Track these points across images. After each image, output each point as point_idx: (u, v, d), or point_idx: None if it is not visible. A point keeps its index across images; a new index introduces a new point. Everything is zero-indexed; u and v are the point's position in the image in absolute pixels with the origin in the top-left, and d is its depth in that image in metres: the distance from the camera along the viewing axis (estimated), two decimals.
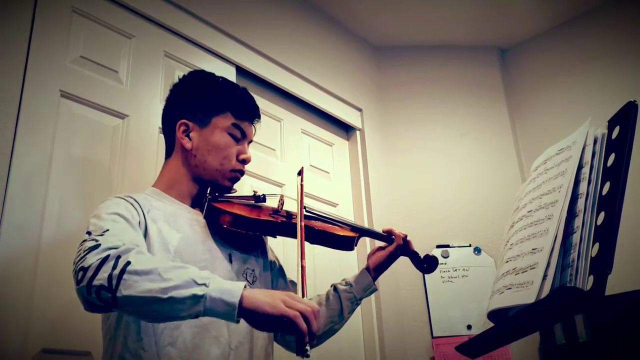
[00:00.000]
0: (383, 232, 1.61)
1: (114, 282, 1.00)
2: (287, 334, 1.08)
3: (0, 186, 1.51)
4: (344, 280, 1.58)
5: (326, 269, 2.39)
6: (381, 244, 1.63)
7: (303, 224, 1.34)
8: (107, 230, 1.13)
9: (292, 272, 1.61)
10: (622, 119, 1.01)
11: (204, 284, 1.00)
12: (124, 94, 1.90)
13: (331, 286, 1.58)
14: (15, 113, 1.60)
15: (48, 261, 1.55)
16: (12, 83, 1.61)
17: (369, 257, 1.61)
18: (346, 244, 1.52)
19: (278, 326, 1.02)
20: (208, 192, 1.43)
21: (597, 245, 0.91)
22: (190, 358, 1.19)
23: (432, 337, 2.68)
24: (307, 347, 1.01)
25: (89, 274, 1.02)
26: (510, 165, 3.07)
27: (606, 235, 0.90)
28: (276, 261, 1.57)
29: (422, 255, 1.62)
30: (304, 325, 1.00)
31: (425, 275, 2.69)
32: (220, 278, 1.05)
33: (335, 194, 2.73)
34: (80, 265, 1.04)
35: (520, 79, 3.31)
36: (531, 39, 3.31)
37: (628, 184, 0.93)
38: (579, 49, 3.10)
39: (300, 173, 1.50)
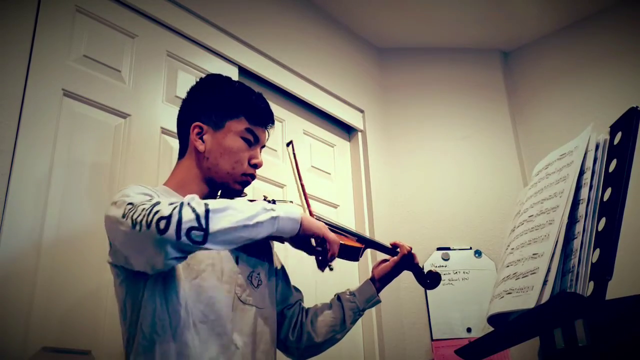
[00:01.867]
0: (390, 244, 1.62)
1: (203, 221, 1.09)
2: (315, 253, 1.34)
3: (2, 184, 1.52)
4: (348, 290, 1.60)
5: (327, 278, 2.38)
6: (386, 256, 1.63)
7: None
8: (149, 197, 1.19)
9: (294, 277, 1.61)
10: (624, 124, 1.01)
11: (272, 209, 1.21)
12: (126, 94, 1.90)
13: (335, 295, 1.59)
14: (18, 111, 1.60)
15: (49, 260, 1.55)
16: (14, 81, 1.62)
17: (374, 268, 1.63)
18: (352, 254, 1.52)
19: (315, 243, 1.32)
20: (218, 194, 1.44)
21: (597, 251, 0.92)
22: (201, 353, 1.21)
23: (432, 340, 2.68)
24: (330, 264, 1.34)
25: (174, 219, 1.07)
26: (511, 168, 3.07)
27: (607, 241, 0.91)
28: (281, 267, 1.57)
29: (426, 269, 1.63)
30: (335, 249, 1.32)
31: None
32: (276, 204, 1.29)
33: (336, 195, 2.73)
34: (158, 216, 1.08)
35: (522, 82, 3.31)
36: (534, 42, 3.31)
37: (629, 190, 0.94)
38: (581, 53, 3.09)
39: (289, 144, 1.61)
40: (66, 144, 1.69)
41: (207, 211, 1.10)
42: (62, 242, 1.59)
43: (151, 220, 1.08)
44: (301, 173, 1.55)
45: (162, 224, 1.07)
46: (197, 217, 1.09)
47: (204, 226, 1.09)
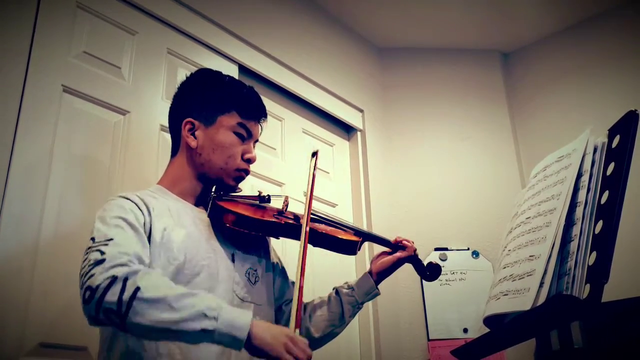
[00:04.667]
0: (394, 242, 1.59)
1: (124, 308, 1.03)
2: None
3: (0, 180, 1.52)
4: (346, 283, 1.58)
5: (324, 270, 2.39)
6: (384, 249, 1.62)
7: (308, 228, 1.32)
8: (112, 239, 1.14)
9: (291, 272, 1.61)
10: (623, 128, 1.01)
11: (214, 317, 1.05)
12: (126, 90, 1.90)
13: (333, 289, 1.58)
14: (17, 107, 1.60)
15: (47, 256, 1.55)
16: (14, 77, 1.61)
17: (372, 261, 1.60)
18: (349, 248, 1.51)
19: None
20: (213, 190, 1.43)
21: (594, 253, 0.92)
22: (191, 356, 1.19)
23: (428, 340, 2.69)
24: None
25: (97, 295, 1.04)
26: (510, 169, 3.08)
27: (603, 244, 0.91)
28: (279, 262, 1.57)
29: (425, 262, 1.62)
30: None
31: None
32: (228, 307, 1.09)
33: (334, 194, 2.73)
34: (88, 284, 1.06)
35: (522, 83, 3.32)
36: (534, 43, 3.31)
37: (627, 193, 0.94)
38: (581, 55, 3.10)
39: (314, 155, 1.46)
40: (65, 140, 1.69)
41: (132, 298, 1.03)
42: (60, 239, 1.59)
43: (82, 284, 1.08)
44: (314, 187, 1.41)
45: (87, 294, 1.06)
46: (120, 301, 1.03)
47: (122, 313, 1.03)
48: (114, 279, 1.05)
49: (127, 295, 1.03)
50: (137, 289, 1.04)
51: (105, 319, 1.05)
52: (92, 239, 1.15)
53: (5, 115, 1.57)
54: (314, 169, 1.43)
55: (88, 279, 1.07)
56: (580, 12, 3.09)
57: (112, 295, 1.04)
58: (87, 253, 1.12)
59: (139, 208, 1.26)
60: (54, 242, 1.58)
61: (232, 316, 1.07)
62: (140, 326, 1.04)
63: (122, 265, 1.09)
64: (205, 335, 1.05)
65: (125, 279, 1.05)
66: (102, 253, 1.10)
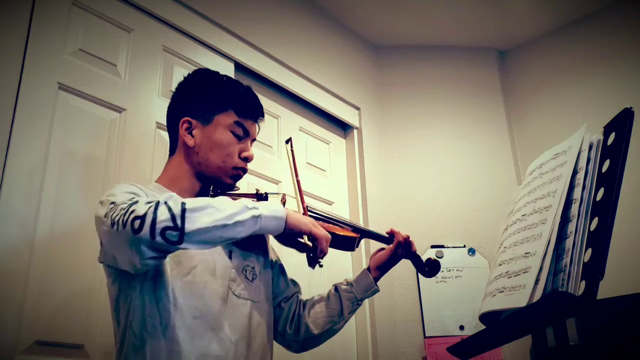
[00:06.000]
0: (386, 233, 1.60)
1: (179, 221, 1.08)
2: (305, 250, 1.30)
3: None
4: (345, 280, 1.59)
5: (320, 270, 2.38)
6: (383, 245, 1.63)
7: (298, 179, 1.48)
8: (134, 196, 1.18)
9: (290, 269, 1.61)
10: (618, 125, 1.01)
11: (255, 207, 1.19)
12: (122, 88, 1.89)
13: (332, 286, 1.58)
14: (13, 105, 1.60)
15: (43, 254, 1.55)
16: (9, 74, 1.61)
17: (371, 258, 1.62)
18: (347, 244, 1.52)
19: (303, 240, 1.28)
20: (211, 189, 1.44)
21: (589, 250, 0.92)
22: (192, 349, 1.21)
23: (425, 337, 2.69)
24: (320, 261, 1.30)
25: (148, 219, 1.07)
26: (506, 167, 3.08)
27: (599, 241, 0.91)
28: (277, 260, 1.57)
29: (423, 259, 1.62)
30: (324, 246, 1.29)
31: (421, 276, 2.71)
32: (261, 201, 1.26)
33: (331, 192, 2.73)
34: (133, 215, 1.08)
35: (518, 81, 3.32)
36: (530, 41, 3.31)
37: (622, 190, 0.94)
38: (577, 52, 3.10)
39: (288, 141, 1.59)
40: (61, 137, 1.68)
41: (183, 210, 1.09)
42: (55, 237, 1.59)
43: (127, 220, 1.08)
44: (298, 170, 1.54)
45: (137, 223, 1.07)
46: (173, 216, 1.08)
47: (179, 226, 1.08)
48: (157, 204, 1.09)
49: (176, 210, 1.09)
50: (183, 203, 1.11)
51: (162, 240, 1.07)
52: (112, 203, 1.15)
53: (0, 113, 1.56)
54: (293, 155, 1.56)
55: (130, 212, 1.08)
56: (577, 10, 3.09)
57: (163, 215, 1.08)
58: (112, 210, 1.12)
59: (143, 191, 1.28)
60: (50, 240, 1.58)
61: (267, 204, 1.24)
62: (200, 231, 1.10)
63: (155, 200, 1.12)
64: (255, 222, 1.18)
65: (166, 202, 1.10)
66: (132, 199, 1.13)
